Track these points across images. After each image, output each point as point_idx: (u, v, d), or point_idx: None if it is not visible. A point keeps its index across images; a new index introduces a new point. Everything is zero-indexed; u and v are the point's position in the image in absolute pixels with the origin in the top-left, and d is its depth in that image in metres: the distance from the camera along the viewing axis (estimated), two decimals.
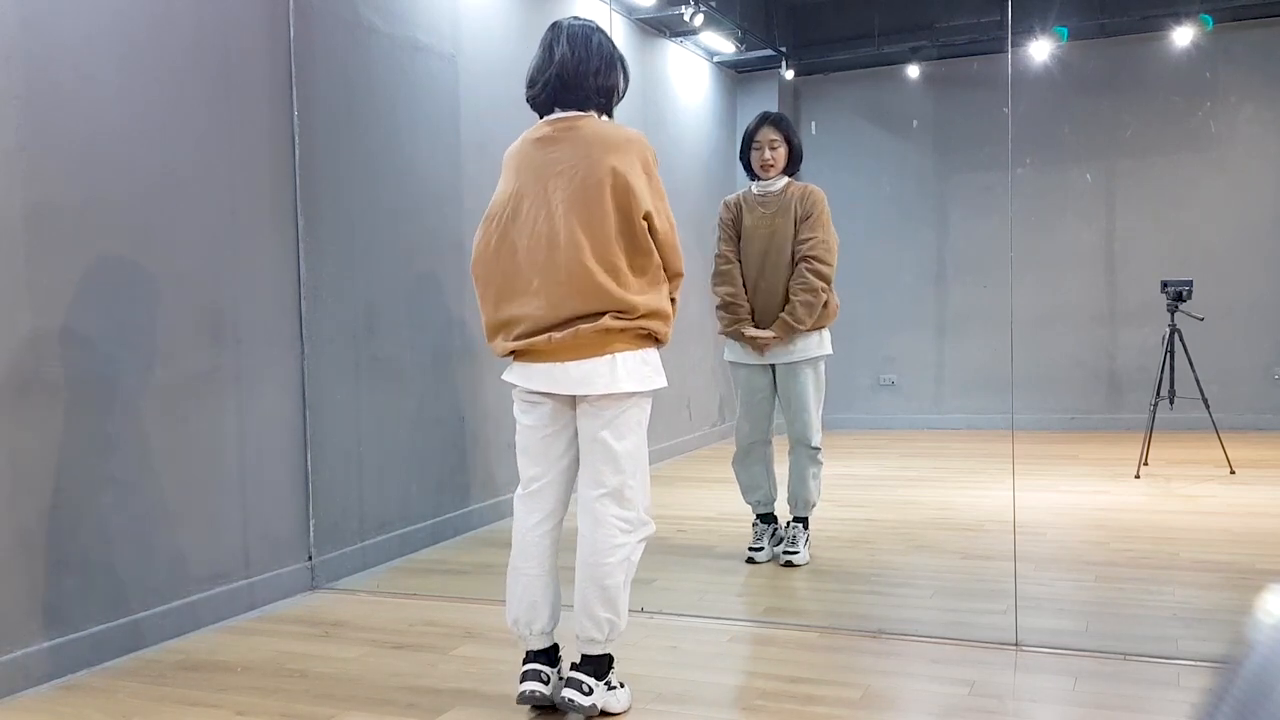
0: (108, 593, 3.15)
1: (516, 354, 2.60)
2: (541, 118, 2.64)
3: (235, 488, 3.60)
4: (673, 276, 2.62)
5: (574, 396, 2.57)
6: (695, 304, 6.46)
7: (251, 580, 3.66)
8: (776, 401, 4.09)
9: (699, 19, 6.02)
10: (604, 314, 2.49)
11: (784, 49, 6.68)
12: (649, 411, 2.61)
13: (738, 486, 4.19)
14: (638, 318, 2.52)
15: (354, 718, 2.67)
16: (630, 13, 6.02)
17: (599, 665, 2.58)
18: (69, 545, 3.03)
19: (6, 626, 2.87)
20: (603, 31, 2.64)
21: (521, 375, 2.59)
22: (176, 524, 3.38)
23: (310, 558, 3.92)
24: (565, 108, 2.59)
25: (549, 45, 2.60)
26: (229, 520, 3.58)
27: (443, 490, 4.60)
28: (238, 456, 3.61)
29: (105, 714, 2.74)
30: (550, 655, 2.65)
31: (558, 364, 2.52)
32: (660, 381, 2.59)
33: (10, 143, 2.89)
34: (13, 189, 2.90)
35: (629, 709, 2.66)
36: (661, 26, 6.30)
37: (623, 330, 2.51)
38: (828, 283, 3.92)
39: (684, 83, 6.54)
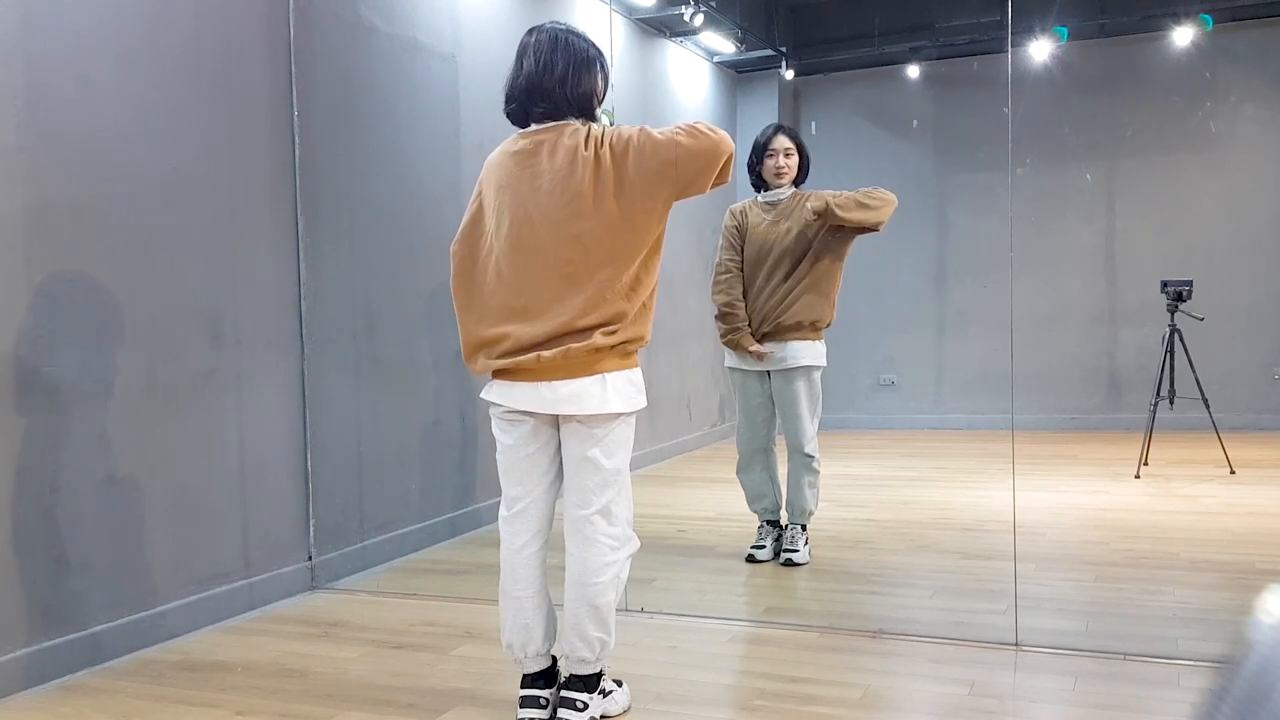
0: (108, 593, 3.15)
1: (497, 372, 2.55)
2: (520, 129, 2.56)
3: (235, 488, 3.60)
4: (723, 144, 2.45)
5: (556, 415, 2.52)
6: (695, 304, 6.46)
7: (251, 580, 3.66)
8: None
9: (699, 19, 6.02)
10: (593, 331, 2.43)
11: (784, 49, 6.68)
12: (634, 429, 2.58)
13: (741, 490, 4.20)
14: (626, 326, 2.46)
15: (354, 718, 2.67)
16: (630, 13, 6.02)
17: (589, 680, 2.56)
18: (69, 545, 3.03)
19: (6, 626, 2.87)
20: (576, 33, 2.54)
21: (504, 394, 2.53)
22: (176, 524, 3.38)
23: (310, 558, 3.92)
24: (540, 120, 2.51)
25: (520, 56, 2.52)
26: (229, 520, 3.58)
27: (443, 490, 4.60)
28: (238, 456, 3.61)
29: (105, 714, 2.74)
30: (548, 675, 2.62)
31: (544, 383, 2.46)
32: (643, 401, 2.55)
33: (10, 143, 2.89)
34: (13, 189, 2.90)
35: (629, 708, 2.66)
36: (661, 26, 6.30)
37: (612, 348, 2.46)
38: (885, 205, 3.85)
39: (684, 83, 6.54)
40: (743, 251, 4.03)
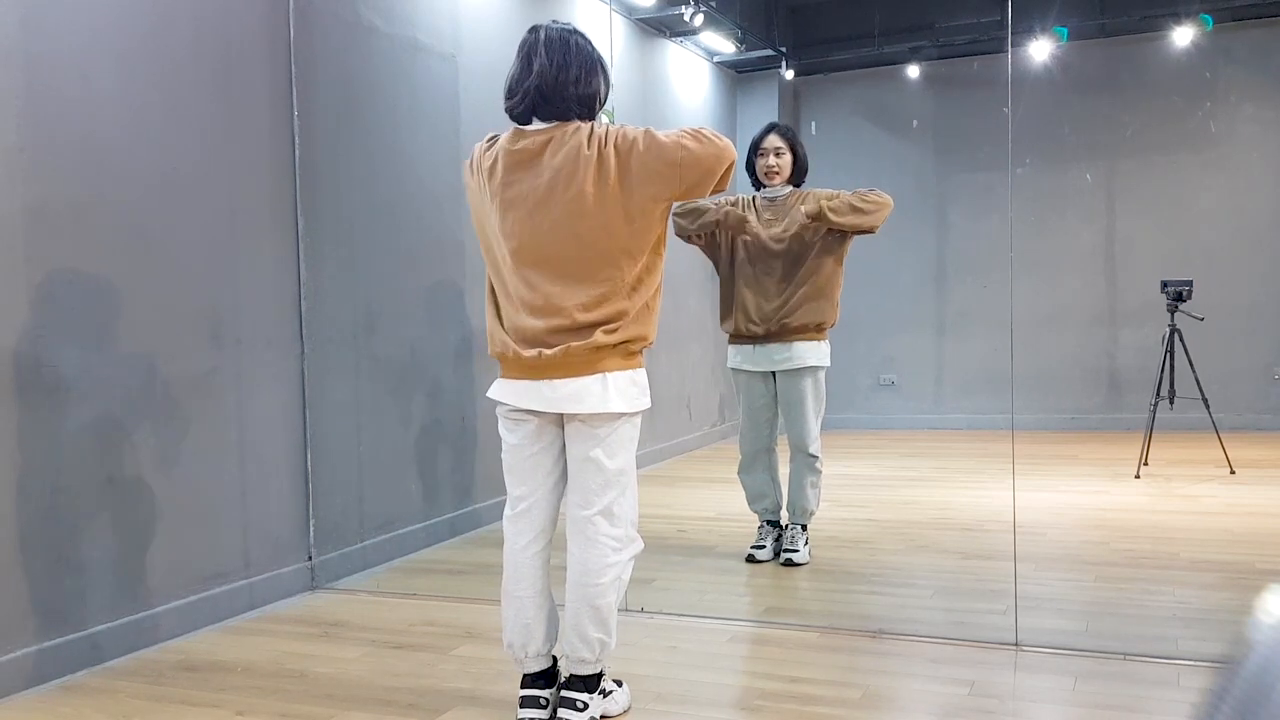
0: (108, 593, 3.15)
1: (503, 370, 2.56)
2: (519, 125, 2.54)
3: (235, 487, 3.60)
4: (726, 154, 2.46)
5: (561, 414, 2.52)
6: (695, 304, 6.46)
7: (251, 580, 3.66)
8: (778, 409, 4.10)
9: (699, 19, 6.02)
10: (594, 329, 2.44)
11: (784, 49, 6.68)
12: (639, 429, 2.58)
13: (741, 490, 4.20)
14: (628, 324, 2.47)
15: (354, 718, 2.67)
16: (630, 13, 6.02)
17: (589, 680, 2.56)
18: (69, 545, 3.03)
19: (6, 626, 2.87)
20: (581, 34, 2.54)
21: (507, 392, 2.54)
22: (176, 524, 3.38)
23: (310, 558, 3.92)
24: (545, 119, 2.50)
25: (527, 55, 2.51)
26: (229, 520, 3.58)
27: (443, 490, 4.60)
28: (238, 456, 3.61)
29: (105, 714, 2.74)
30: (548, 676, 2.62)
31: (546, 381, 2.47)
32: (646, 402, 2.55)
33: (10, 143, 2.89)
34: (13, 189, 2.90)
35: (629, 709, 2.66)
36: (661, 26, 6.30)
37: (614, 347, 2.46)
38: (881, 209, 3.86)
39: (684, 83, 6.54)
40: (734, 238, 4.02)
